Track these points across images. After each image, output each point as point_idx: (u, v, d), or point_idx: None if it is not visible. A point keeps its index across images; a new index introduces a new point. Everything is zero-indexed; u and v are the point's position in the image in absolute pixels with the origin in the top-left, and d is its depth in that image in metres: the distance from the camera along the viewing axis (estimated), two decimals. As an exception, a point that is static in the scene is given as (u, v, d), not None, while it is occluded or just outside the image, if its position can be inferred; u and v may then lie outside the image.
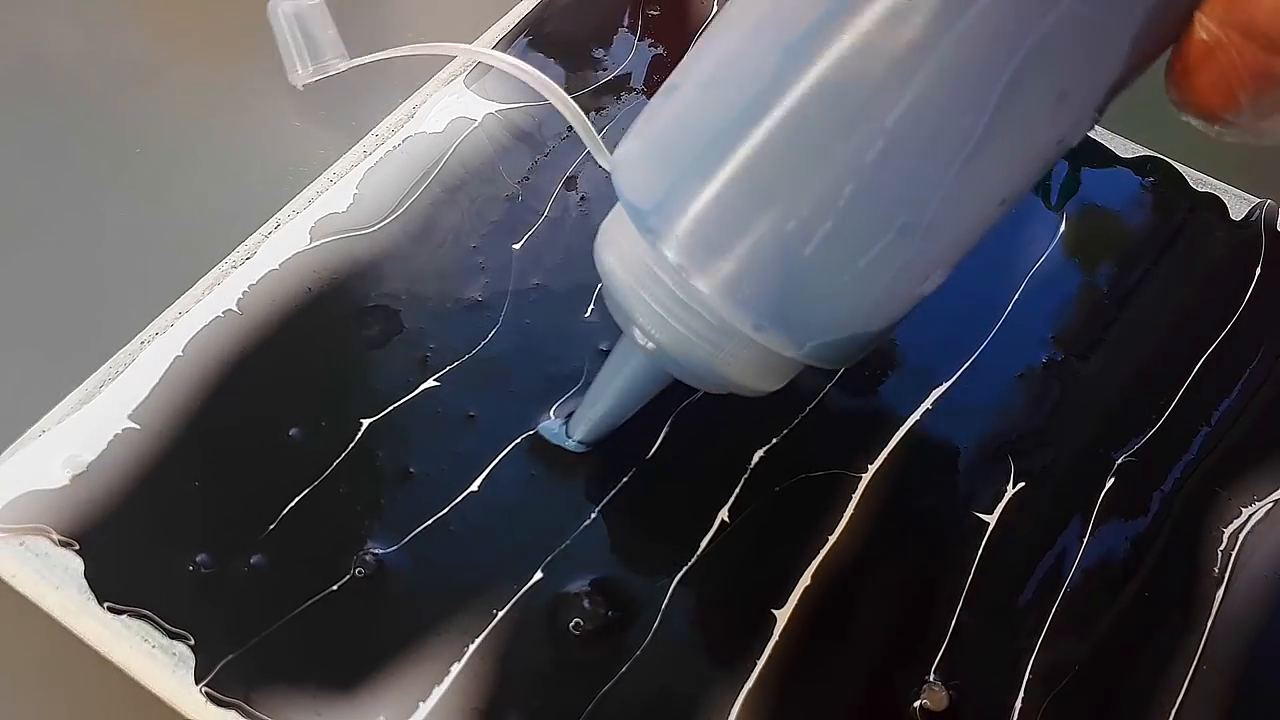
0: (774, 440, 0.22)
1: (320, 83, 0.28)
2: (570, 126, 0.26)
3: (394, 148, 0.26)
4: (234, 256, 0.24)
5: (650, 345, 0.19)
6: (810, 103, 0.15)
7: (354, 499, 0.21)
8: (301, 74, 0.27)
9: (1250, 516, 0.22)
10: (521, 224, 0.25)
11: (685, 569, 0.20)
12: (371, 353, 0.23)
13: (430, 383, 0.22)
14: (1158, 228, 0.26)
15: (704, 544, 0.21)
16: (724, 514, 0.21)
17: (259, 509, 0.20)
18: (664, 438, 0.22)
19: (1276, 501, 0.22)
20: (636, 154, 0.18)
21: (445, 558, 0.20)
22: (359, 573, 0.20)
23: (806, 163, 0.16)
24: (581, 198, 0.25)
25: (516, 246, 0.24)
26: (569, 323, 0.23)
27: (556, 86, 0.25)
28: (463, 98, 0.27)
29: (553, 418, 0.22)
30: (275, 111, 0.29)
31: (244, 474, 0.21)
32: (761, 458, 0.22)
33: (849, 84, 0.15)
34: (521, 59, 0.27)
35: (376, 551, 0.20)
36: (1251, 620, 0.20)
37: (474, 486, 0.21)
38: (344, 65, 0.27)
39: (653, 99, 0.18)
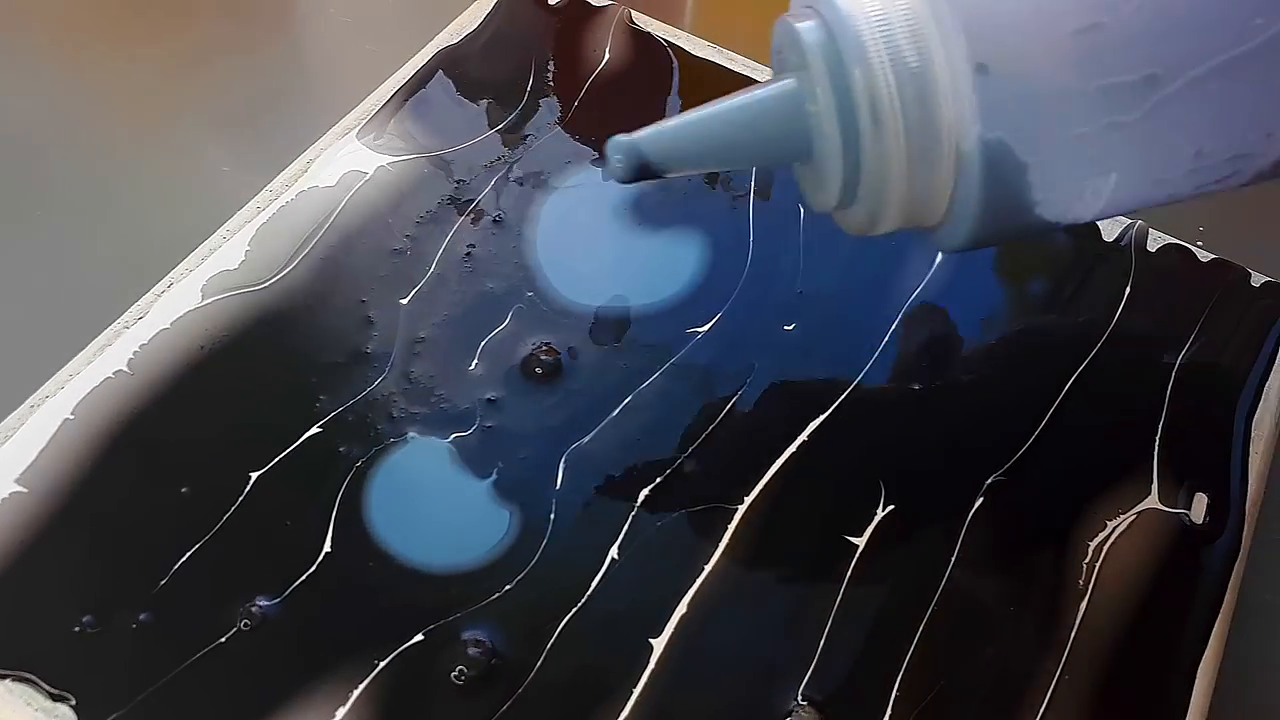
0: (658, 479, 0.23)
1: (226, 136, 0.29)
2: (459, 178, 0.28)
3: (287, 203, 0.27)
4: (126, 317, 0.25)
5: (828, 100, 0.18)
6: None
7: (242, 552, 0.22)
8: None
9: (1114, 529, 0.23)
10: (409, 279, 0.26)
11: (575, 609, 0.21)
12: (261, 407, 0.24)
13: (314, 430, 0.23)
14: (1031, 251, 0.28)
15: (595, 582, 0.22)
16: (614, 551, 0.22)
17: (147, 567, 0.21)
18: (561, 480, 0.23)
19: (1140, 513, 0.23)
20: None
21: (329, 607, 0.21)
22: (245, 625, 0.21)
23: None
24: (466, 255, 0.26)
25: (404, 301, 0.25)
26: (455, 374, 0.24)
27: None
28: (355, 151, 0.28)
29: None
30: (175, 168, 0.30)
31: (133, 534, 0.22)
32: (647, 496, 0.23)
33: None
34: (452, 87, 0.29)
35: (262, 603, 0.21)
36: (1113, 629, 0.22)
37: (357, 535, 0.22)
38: None
39: None
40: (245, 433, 0.23)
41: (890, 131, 0.18)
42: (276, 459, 0.23)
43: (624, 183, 0.20)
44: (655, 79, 0.31)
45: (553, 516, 0.23)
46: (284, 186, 0.27)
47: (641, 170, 0.19)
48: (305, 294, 0.25)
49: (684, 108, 0.30)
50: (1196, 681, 0.21)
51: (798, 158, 0.20)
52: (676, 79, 0.31)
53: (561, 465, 0.23)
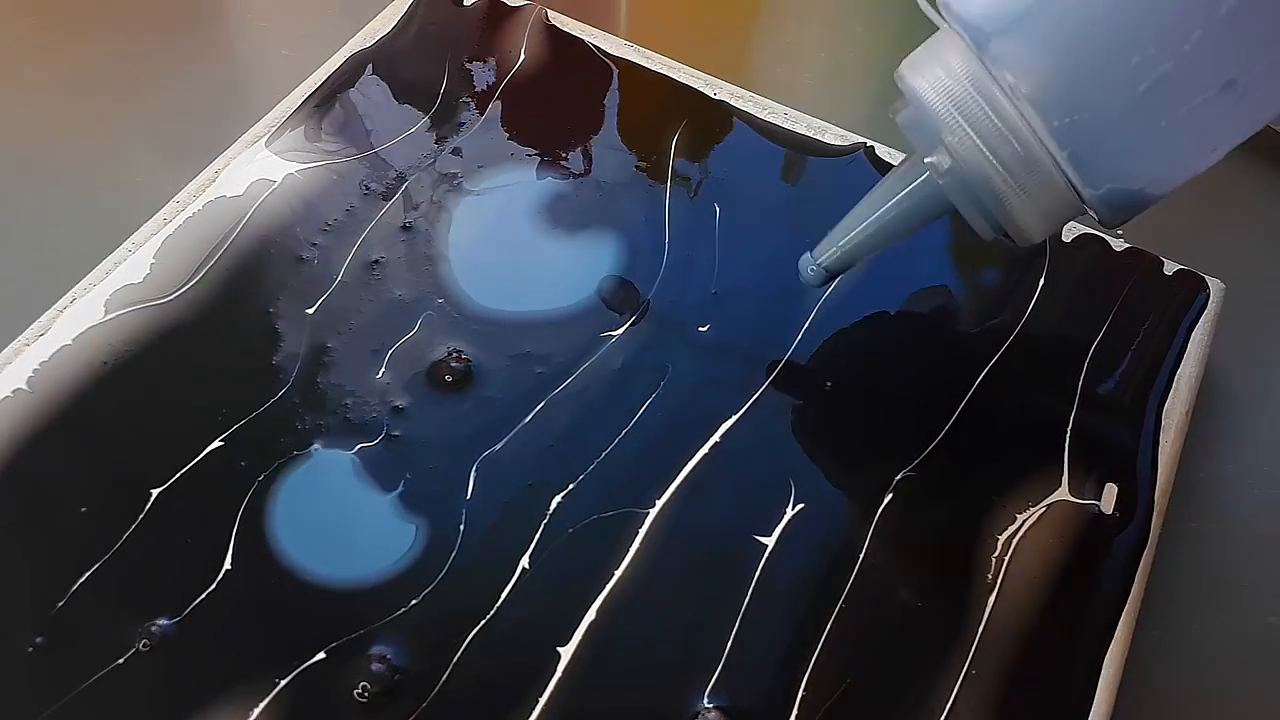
0: (570, 486, 0.23)
1: (139, 146, 0.29)
2: (368, 184, 0.27)
3: (193, 214, 0.26)
4: (27, 334, 0.24)
5: (945, 171, 0.21)
6: None
7: (141, 572, 0.21)
8: None
9: (1024, 523, 0.23)
10: (315, 288, 0.26)
11: (484, 621, 0.21)
12: (163, 423, 0.23)
13: (216, 444, 0.23)
14: (948, 244, 0.28)
15: (505, 593, 0.22)
16: (525, 560, 0.22)
17: (45, 590, 0.21)
18: (472, 489, 0.23)
19: (1049, 505, 0.23)
20: None
21: (230, 626, 0.21)
22: (144, 646, 0.20)
23: (1166, 3, 0.18)
24: (375, 261, 0.26)
25: (310, 311, 0.25)
26: (361, 383, 0.24)
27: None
28: (264, 159, 0.28)
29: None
30: (85, 179, 0.30)
31: (31, 556, 0.21)
32: (559, 503, 0.23)
33: None
34: (366, 91, 0.29)
35: (161, 623, 0.21)
36: (1020, 623, 0.22)
37: (259, 552, 0.22)
38: None
39: None
40: (146, 449, 0.23)
41: (1013, 199, 0.21)
42: (177, 475, 0.22)
43: (821, 285, 0.25)
44: (571, 77, 0.31)
45: (462, 527, 0.22)
46: (191, 197, 0.27)
47: (829, 278, 0.25)
48: (210, 307, 0.25)
49: (599, 109, 0.30)
50: (1102, 672, 0.21)
51: (940, 217, 0.23)
52: (591, 77, 0.31)
53: (472, 474, 0.23)
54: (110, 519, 0.22)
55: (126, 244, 0.26)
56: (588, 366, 0.25)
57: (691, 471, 0.24)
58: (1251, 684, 0.23)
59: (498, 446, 0.24)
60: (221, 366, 0.24)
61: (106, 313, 0.25)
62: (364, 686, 0.20)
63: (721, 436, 0.24)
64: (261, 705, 0.20)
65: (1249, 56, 0.18)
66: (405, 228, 0.27)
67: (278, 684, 0.20)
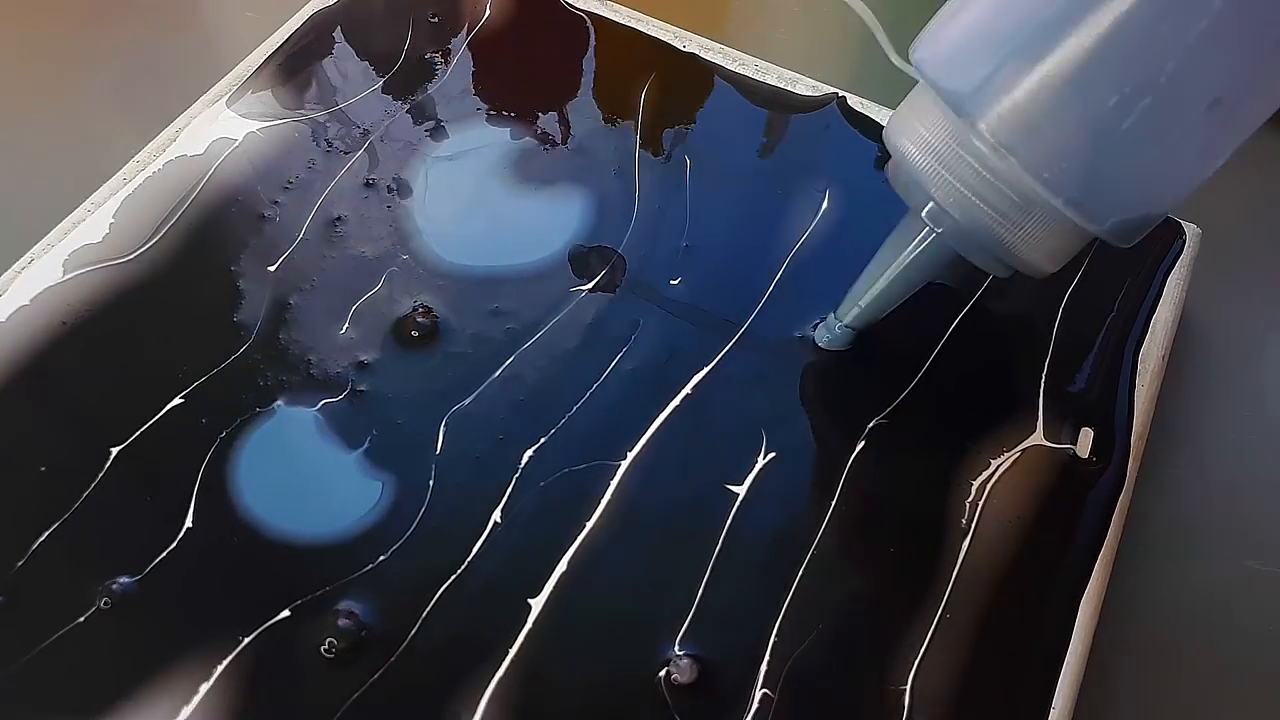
0: (542, 440, 0.23)
1: (102, 106, 0.29)
2: (330, 142, 0.27)
3: (154, 174, 0.26)
4: (-16, 296, 0.24)
5: (944, 226, 0.21)
6: None
7: (101, 530, 0.21)
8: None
9: (998, 468, 0.23)
10: (277, 246, 0.25)
11: (454, 576, 0.21)
12: (122, 381, 0.23)
13: (176, 400, 0.23)
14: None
15: (476, 547, 0.22)
16: (497, 515, 0.22)
17: (4, 549, 0.21)
18: (441, 444, 0.23)
19: (1024, 450, 0.23)
20: (953, 42, 0.20)
21: (192, 584, 0.21)
22: (105, 604, 0.20)
23: (1132, 41, 0.17)
24: (337, 219, 0.26)
25: (272, 268, 0.25)
26: (325, 339, 0.24)
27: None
28: (225, 118, 0.27)
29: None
30: (48, 140, 0.29)
31: (-10, 514, 0.21)
32: (531, 457, 0.23)
33: None
34: (328, 49, 0.29)
35: (123, 581, 0.20)
36: (995, 566, 0.22)
37: (222, 509, 0.21)
38: None
39: None
40: (106, 408, 0.23)
41: (1017, 242, 0.20)
42: (137, 433, 0.22)
43: (843, 348, 0.25)
44: (539, 32, 0.30)
45: (431, 483, 0.22)
46: (152, 156, 0.26)
47: (849, 335, 0.24)
48: (170, 265, 0.25)
49: (567, 64, 0.30)
50: (1079, 614, 0.21)
51: (952, 264, 0.23)
52: (559, 32, 0.30)
53: (442, 429, 0.23)
54: (70, 477, 0.22)
55: (86, 204, 0.25)
56: (558, 321, 0.25)
57: (663, 424, 0.23)
58: (1228, 627, 0.23)
59: (467, 401, 0.23)
60: (182, 325, 0.24)
61: (65, 273, 0.24)
62: (330, 642, 0.20)
63: (692, 389, 0.24)
64: (225, 662, 0.20)
65: (1230, 74, 0.18)
66: (368, 184, 0.27)
67: (241, 641, 0.20)
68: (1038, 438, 0.23)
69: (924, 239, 0.22)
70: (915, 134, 0.20)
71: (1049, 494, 0.23)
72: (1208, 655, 0.23)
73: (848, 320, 0.24)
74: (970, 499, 0.23)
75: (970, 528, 0.22)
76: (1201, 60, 0.17)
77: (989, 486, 0.23)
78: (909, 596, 0.21)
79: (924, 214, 0.21)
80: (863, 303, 0.24)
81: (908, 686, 0.20)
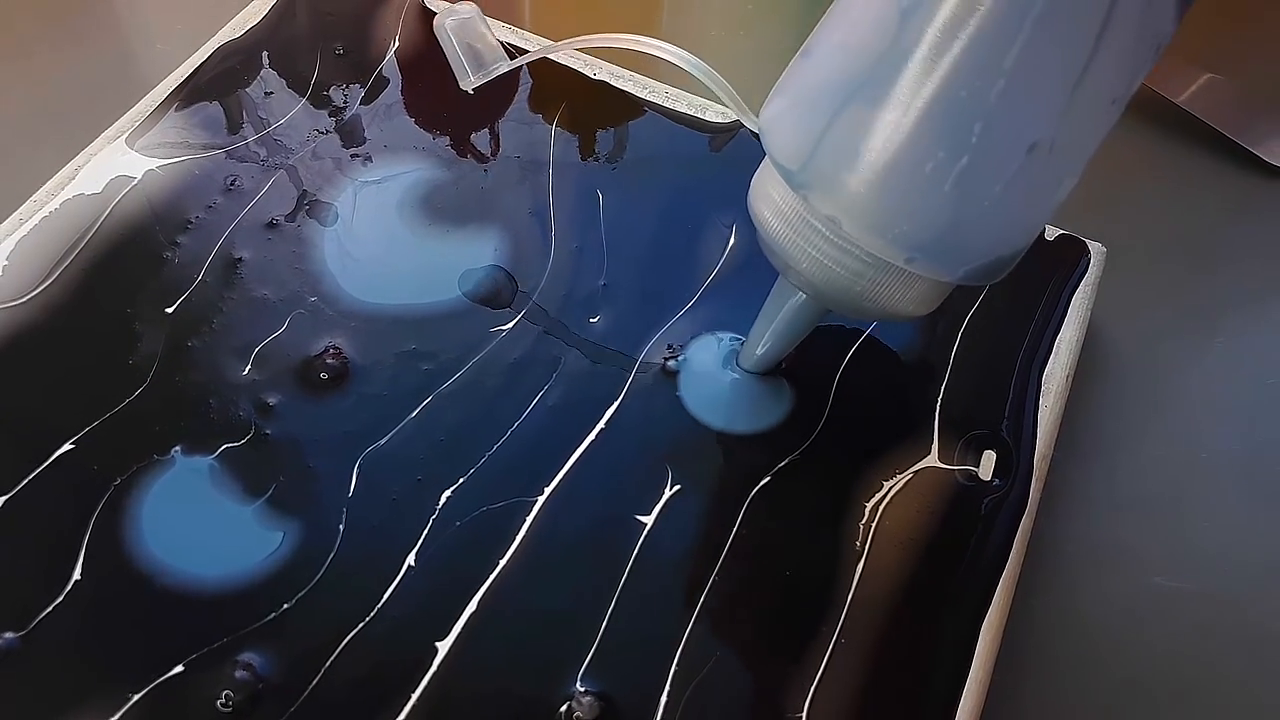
0: (461, 479, 0.23)
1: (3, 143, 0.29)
2: (233, 180, 0.27)
3: (50, 213, 0.26)
4: None
5: (809, 290, 0.22)
6: (934, 57, 0.18)
7: (-13, 582, 0.21)
8: (473, 80, 0.27)
9: (890, 489, 0.24)
10: (176, 287, 0.25)
11: (362, 623, 0.21)
12: (10, 427, 0.23)
13: (66, 447, 0.23)
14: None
15: (387, 593, 0.22)
16: (411, 558, 0.22)
17: (-116, 606, 0.21)
18: (354, 486, 0.23)
19: (917, 472, 0.24)
20: (780, 116, 0.20)
21: (79, 640, 0.21)
22: (-11, 658, 0.20)
23: (936, 110, 0.18)
24: (239, 260, 0.26)
25: (170, 310, 0.25)
26: (226, 382, 0.24)
27: (692, 57, 0.23)
28: (125, 156, 0.27)
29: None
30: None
31: None
32: (449, 498, 0.23)
33: (968, 36, 0.18)
34: (233, 83, 0.29)
35: (6, 637, 0.20)
36: (890, 589, 0.22)
37: (114, 561, 0.21)
38: (506, 67, 0.27)
39: (791, 62, 0.21)
40: (-8, 457, 0.23)
41: (883, 297, 0.21)
42: (24, 482, 0.22)
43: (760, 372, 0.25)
44: (443, 67, 0.31)
45: (343, 527, 0.22)
46: (49, 195, 0.27)
47: (758, 367, 0.25)
48: (65, 308, 0.25)
49: (476, 97, 0.30)
50: (980, 637, 0.22)
51: (831, 312, 0.23)
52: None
53: (355, 471, 0.23)
54: (-46, 531, 0.22)
55: (-22, 247, 0.26)
56: (477, 361, 0.25)
57: (578, 458, 0.24)
58: (1136, 644, 0.24)
59: (382, 442, 0.24)
60: (75, 369, 0.24)
61: (-45, 318, 0.24)
62: (226, 695, 0.20)
63: (605, 424, 0.24)
64: (116, 717, 0.20)
65: (1039, 120, 0.18)
66: (272, 225, 0.27)
67: (131, 698, 0.20)
68: (932, 459, 0.24)
69: (796, 299, 0.23)
70: (769, 200, 0.21)
71: (944, 515, 0.23)
72: (1115, 672, 0.24)
73: (749, 366, 0.25)
74: (864, 521, 0.23)
75: (864, 550, 0.23)
76: (1007, 115, 0.18)
77: (881, 508, 0.23)
78: (805, 622, 0.22)
79: (788, 279, 0.22)
80: (758, 352, 0.25)
81: (803, 714, 0.20)
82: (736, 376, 0.25)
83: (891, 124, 0.18)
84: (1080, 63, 0.18)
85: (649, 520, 0.23)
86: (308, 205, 0.27)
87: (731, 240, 0.27)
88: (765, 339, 0.24)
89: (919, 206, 0.19)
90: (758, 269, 0.27)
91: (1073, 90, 0.18)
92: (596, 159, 0.29)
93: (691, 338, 0.26)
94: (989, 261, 0.20)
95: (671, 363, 0.25)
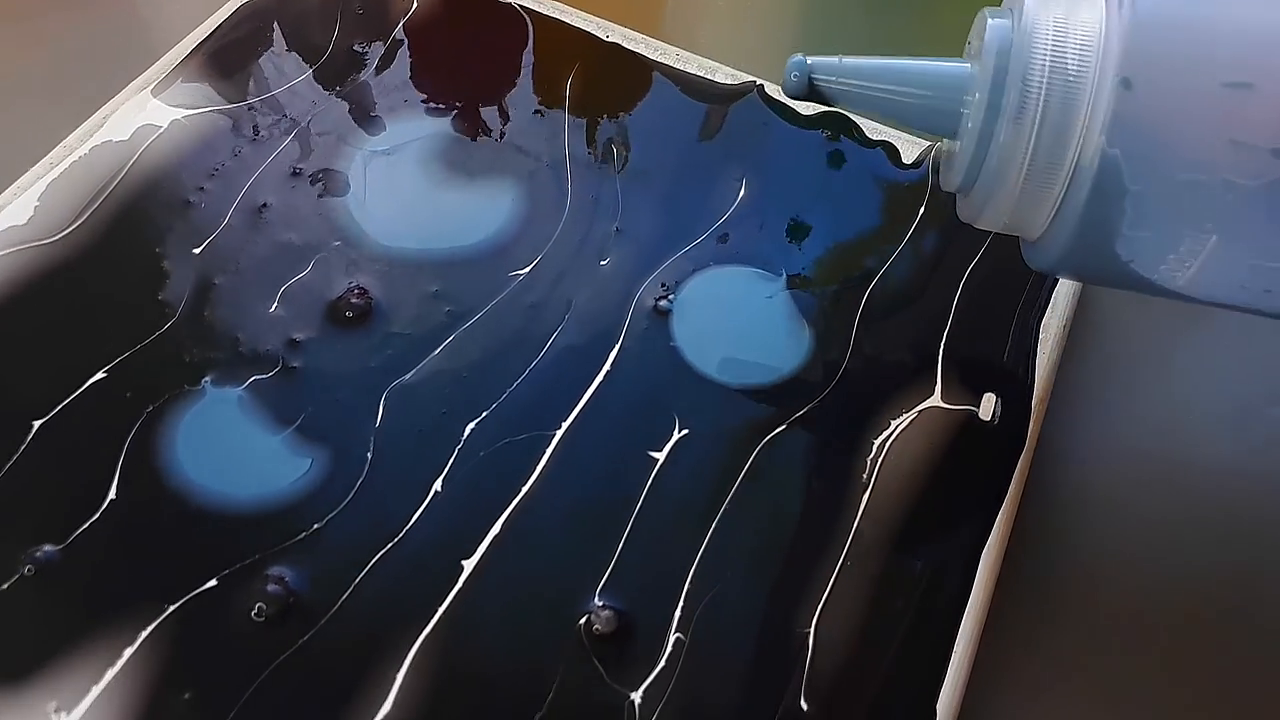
0: (484, 413, 0.24)
1: (32, 92, 0.30)
2: (257, 130, 0.28)
3: (79, 158, 0.27)
4: (-93, 277, 0.25)
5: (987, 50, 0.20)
6: None
7: (24, 500, 0.22)
8: None
9: (897, 427, 0.25)
10: (202, 230, 0.26)
11: (393, 541, 0.22)
12: (46, 356, 0.24)
13: (99, 375, 0.24)
14: (835, 177, 0.30)
15: (415, 515, 0.23)
16: (438, 484, 0.23)
17: (-74, 519, 0.22)
18: (381, 418, 0.24)
19: (922, 411, 0.25)
20: None
21: (116, 554, 0.22)
22: (28, 570, 0.21)
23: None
24: (263, 205, 0.27)
25: (196, 251, 0.26)
26: (253, 318, 0.25)
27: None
28: (150, 105, 0.28)
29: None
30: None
31: (-89, 487, 0.22)
32: (473, 430, 0.24)
33: None
34: (255, 38, 0.30)
35: (46, 549, 0.21)
36: (894, 518, 0.23)
37: (147, 483, 0.22)
38: None
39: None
40: (27, 382, 0.23)
41: (1026, 125, 0.19)
42: (59, 406, 0.23)
43: (794, 98, 0.22)
44: (465, 23, 0.32)
45: (370, 455, 0.23)
46: (78, 141, 0.28)
47: (810, 90, 0.22)
48: (94, 248, 0.26)
49: (495, 56, 0.31)
50: (980, 565, 0.23)
51: (945, 132, 0.22)
52: (486, 22, 0.32)
53: (382, 403, 0.24)
54: (-7, 450, 0.23)
55: (12, 188, 0.26)
56: (496, 304, 0.26)
57: (591, 396, 0.25)
58: (1127, 581, 0.25)
59: (407, 377, 0.25)
60: (106, 304, 0.25)
61: (-11, 254, 0.25)
62: (259, 607, 0.21)
63: (611, 364, 0.25)
64: (150, 628, 0.21)
65: None
66: (295, 173, 0.28)
67: (166, 609, 0.21)
68: (935, 400, 0.25)
69: (954, 67, 0.21)
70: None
71: (946, 452, 0.25)
72: (1107, 603, 0.25)
73: (818, 78, 0.22)
74: (870, 456, 0.24)
75: (870, 482, 0.24)
76: None
77: (888, 444, 0.24)
78: (812, 547, 0.23)
79: (989, 23, 0.20)
80: (843, 74, 0.22)
81: (811, 630, 0.22)
82: (791, 80, 0.22)
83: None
84: None
85: (660, 456, 0.24)
86: (329, 156, 0.28)
87: (741, 192, 0.29)
88: (868, 73, 0.21)
89: (1182, 92, 0.18)
90: (764, 220, 0.28)
91: None
92: (610, 117, 0.30)
93: (689, 275, 0.27)
94: (1125, 173, 0.19)
95: (663, 302, 0.26)
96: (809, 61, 0.22)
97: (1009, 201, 0.20)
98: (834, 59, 0.22)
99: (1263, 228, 0.19)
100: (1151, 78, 0.18)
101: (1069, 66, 0.19)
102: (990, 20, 0.21)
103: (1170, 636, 0.24)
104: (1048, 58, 0.19)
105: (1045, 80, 0.19)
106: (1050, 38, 0.19)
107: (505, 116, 0.30)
